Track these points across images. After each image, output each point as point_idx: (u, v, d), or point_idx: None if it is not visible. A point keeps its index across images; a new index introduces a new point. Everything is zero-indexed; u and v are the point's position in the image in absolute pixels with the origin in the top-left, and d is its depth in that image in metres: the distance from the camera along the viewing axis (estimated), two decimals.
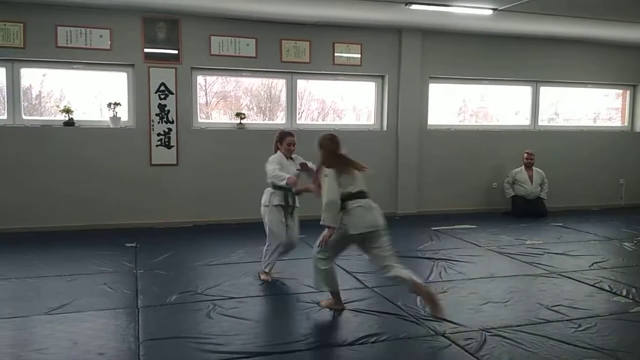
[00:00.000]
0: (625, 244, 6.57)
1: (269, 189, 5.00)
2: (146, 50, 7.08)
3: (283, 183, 4.69)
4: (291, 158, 5.00)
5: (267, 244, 5.04)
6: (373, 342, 3.59)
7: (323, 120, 8.55)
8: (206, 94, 8.07)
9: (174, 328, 3.80)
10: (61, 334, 3.66)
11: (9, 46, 6.60)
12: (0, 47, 6.58)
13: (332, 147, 4.14)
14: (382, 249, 4.01)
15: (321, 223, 3.97)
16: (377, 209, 4.08)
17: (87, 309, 4.11)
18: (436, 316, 3.92)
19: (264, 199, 5.01)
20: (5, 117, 6.85)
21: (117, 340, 3.59)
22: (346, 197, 3.97)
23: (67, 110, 6.94)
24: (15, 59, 6.74)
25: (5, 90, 6.82)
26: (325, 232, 4.00)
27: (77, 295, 4.43)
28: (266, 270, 5.02)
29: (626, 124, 9.81)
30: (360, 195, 4.04)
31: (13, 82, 6.81)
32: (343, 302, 4.25)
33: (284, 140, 5.00)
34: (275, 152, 5.07)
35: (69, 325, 3.81)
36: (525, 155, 8.60)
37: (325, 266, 4.11)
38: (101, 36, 6.89)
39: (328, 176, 3.98)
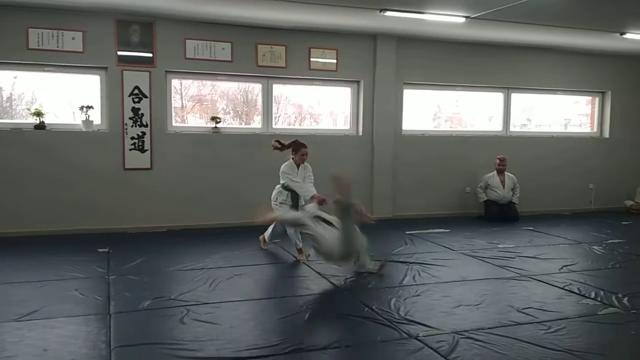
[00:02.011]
0: (595, 247, 6.71)
1: (278, 187, 5.93)
2: (119, 53, 7.01)
3: (307, 196, 5.74)
4: (297, 166, 5.89)
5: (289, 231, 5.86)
6: (347, 346, 3.61)
7: (300, 125, 8.56)
8: (182, 97, 8.02)
9: (146, 334, 3.76)
10: (30, 341, 3.59)
11: None
12: None
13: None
14: None
15: None
16: None
17: (57, 316, 4.04)
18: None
19: (273, 195, 5.93)
20: None
21: (88, 347, 3.53)
22: None
23: (38, 114, 6.83)
24: None
25: None
26: None
27: (47, 301, 4.35)
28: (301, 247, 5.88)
29: (595, 130, 10.05)
30: None
31: None
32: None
33: (299, 151, 5.85)
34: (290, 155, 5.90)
35: (39, 332, 3.74)
36: (497, 161, 8.74)
37: None
38: (73, 38, 6.80)
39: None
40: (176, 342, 3.61)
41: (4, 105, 7.19)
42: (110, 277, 5.07)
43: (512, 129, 9.45)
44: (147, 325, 3.96)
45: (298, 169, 5.88)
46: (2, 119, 6.94)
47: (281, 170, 5.87)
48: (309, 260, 5.76)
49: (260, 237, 6.28)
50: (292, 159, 5.90)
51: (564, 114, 10.07)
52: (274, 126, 7.99)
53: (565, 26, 7.36)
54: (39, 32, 6.67)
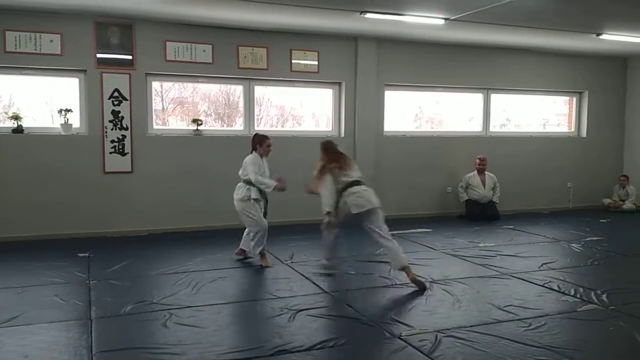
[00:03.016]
0: (573, 245, 6.82)
1: (243, 185, 5.64)
2: (99, 55, 6.94)
3: (270, 190, 5.59)
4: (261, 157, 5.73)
5: (253, 232, 5.65)
6: (331, 347, 3.62)
7: (282, 126, 8.56)
8: (162, 100, 7.96)
9: (128, 339, 3.73)
10: (11, 347, 3.55)
11: None
12: None
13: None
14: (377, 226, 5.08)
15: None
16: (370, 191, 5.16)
17: (37, 322, 3.99)
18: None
19: (242, 193, 5.60)
20: None
21: (69, 352, 3.50)
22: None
23: (16, 117, 6.73)
24: None
25: None
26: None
27: (27, 307, 4.29)
28: (265, 252, 5.72)
29: (573, 129, 10.21)
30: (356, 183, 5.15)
31: None
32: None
33: (264, 142, 5.72)
34: (252, 152, 5.71)
35: (19, 338, 3.70)
36: (478, 160, 8.84)
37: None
38: (51, 41, 6.72)
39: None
40: (159, 347, 3.59)
41: None
42: (91, 282, 5.01)
43: (491, 129, 9.56)
44: (129, 330, 3.93)
45: (262, 161, 5.71)
46: None
47: (247, 162, 5.61)
48: (283, 264, 5.78)
49: (237, 251, 5.96)
50: (256, 151, 5.69)
51: (542, 114, 10.21)
52: (256, 128, 7.97)
53: (542, 27, 7.47)
54: (17, 35, 6.58)
